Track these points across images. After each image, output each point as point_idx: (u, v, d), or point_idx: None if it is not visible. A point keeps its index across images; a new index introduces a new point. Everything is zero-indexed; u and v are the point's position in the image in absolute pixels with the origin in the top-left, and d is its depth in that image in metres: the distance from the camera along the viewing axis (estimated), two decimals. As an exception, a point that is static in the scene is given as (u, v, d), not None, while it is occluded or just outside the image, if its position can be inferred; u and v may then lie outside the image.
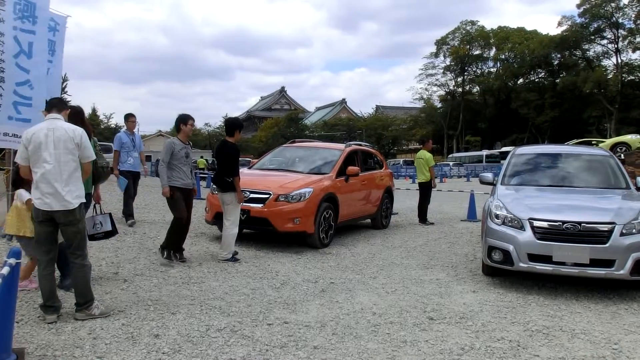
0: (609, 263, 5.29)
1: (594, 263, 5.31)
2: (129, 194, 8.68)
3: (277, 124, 61.94)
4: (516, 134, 56.28)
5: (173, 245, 6.42)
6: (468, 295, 5.47)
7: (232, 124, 7.00)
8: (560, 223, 5.45)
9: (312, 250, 7.59)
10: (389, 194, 10.52)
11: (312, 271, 6.37)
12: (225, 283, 5.60)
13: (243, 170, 8.30)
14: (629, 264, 5.22)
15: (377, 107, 73.79)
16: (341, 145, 9.63)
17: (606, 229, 5.35)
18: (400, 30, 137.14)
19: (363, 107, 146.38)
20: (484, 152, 49.45)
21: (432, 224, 10.95)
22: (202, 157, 40.81)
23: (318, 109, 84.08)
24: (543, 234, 5.50)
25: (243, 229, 7.56)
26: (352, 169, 8.62)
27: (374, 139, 58.07)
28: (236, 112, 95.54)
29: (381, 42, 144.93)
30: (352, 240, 8.68)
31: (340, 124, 63.21)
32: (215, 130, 64.48)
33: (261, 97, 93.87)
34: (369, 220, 10.21)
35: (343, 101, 78.36)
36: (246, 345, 3.85)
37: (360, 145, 10.36)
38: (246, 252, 7.16)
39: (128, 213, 8.73)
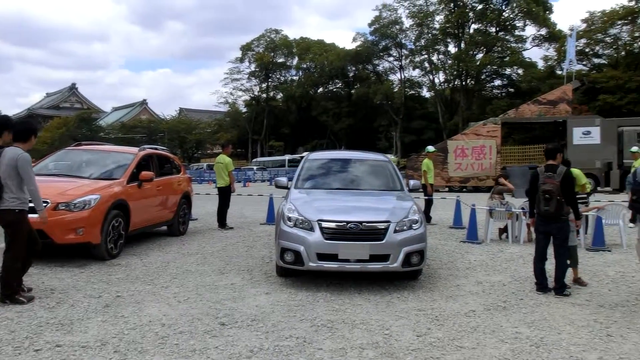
0: (385, 257, 5.88)
1: (373, 258, 5.86)
2: None
3: (66, 124, 55.73)
4: (317, 140, 60.19)
5: (16, 282, 5.05)
6: (261, 297, 5.55)
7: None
8: (345, 223, 5.88)
9: (98, 262, 6.93)
10: (186, 200, 10.24)
11: (96, 285, 5.79)
12: (-18, 308, 4.73)
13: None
14: (401, 257, 5.88)
15: (181, 110, 71.65)
16: (134, 149, 9.07)
17: (383, 227, 5.94)
18: (206, 33, 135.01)
19: (166, 109, 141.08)
20: (287, 157, 51.73)
21: (232, 228, 10.96)
22: None
23: (115, 109, 78.18)
24: (330, 234, 5.87)
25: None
26: (145, 174, 8.15)
27: (177, 142, 56.34)
28: (15, 110, 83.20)
29: (186, 43, 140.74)
30: (145, 249, 8.17)
31: (140, 126, 59.65)
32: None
33: (47, 94, 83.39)
34: (165, 228, 9.76)
35: (144, 102, 74.25)
36: (2, 380, 3.28)
37: (156, 149, 9.89)
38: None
39: None
